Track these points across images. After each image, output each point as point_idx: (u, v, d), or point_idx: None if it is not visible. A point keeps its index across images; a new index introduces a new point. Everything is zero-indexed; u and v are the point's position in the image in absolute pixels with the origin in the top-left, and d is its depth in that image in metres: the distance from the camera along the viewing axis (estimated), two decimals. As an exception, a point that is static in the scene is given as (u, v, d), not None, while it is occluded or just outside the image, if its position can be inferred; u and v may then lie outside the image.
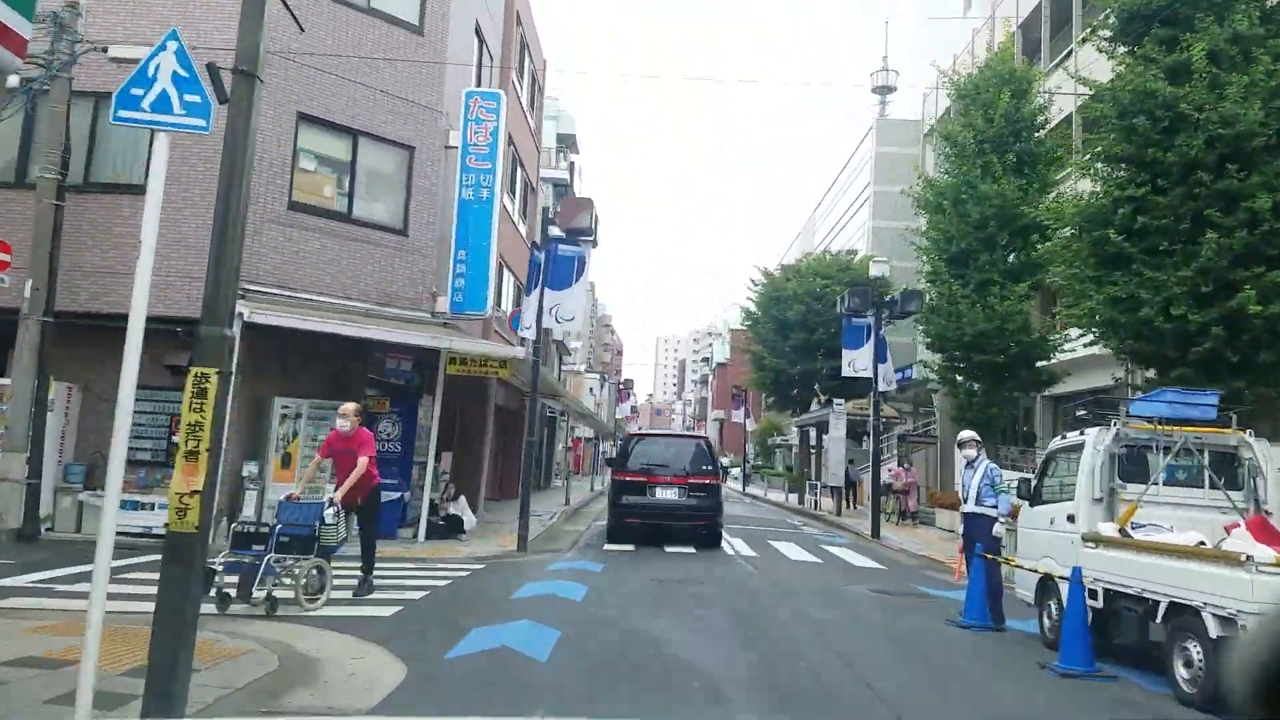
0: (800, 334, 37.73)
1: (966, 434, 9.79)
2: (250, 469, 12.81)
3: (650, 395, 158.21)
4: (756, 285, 40.66)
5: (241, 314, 12.43)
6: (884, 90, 63.92)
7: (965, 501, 9.57)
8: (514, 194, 21.38)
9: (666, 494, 15.58)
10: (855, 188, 48.67)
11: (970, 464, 9.63)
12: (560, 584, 9.58)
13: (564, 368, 46.99)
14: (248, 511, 12.64)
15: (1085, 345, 15.35)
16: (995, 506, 9.36)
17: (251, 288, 12.93)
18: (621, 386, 43.06)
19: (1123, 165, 14.17)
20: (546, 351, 32.52)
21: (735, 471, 61.60)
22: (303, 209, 13.60)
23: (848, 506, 28.30)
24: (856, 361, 19.93)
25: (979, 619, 8.74)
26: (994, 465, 9.63)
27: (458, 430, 19.18)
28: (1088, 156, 14.95)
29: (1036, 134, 20.10)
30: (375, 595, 8.54)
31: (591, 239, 14.39)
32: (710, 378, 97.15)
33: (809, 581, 11.59)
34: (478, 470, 19.18)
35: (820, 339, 37.82)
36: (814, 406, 40.98)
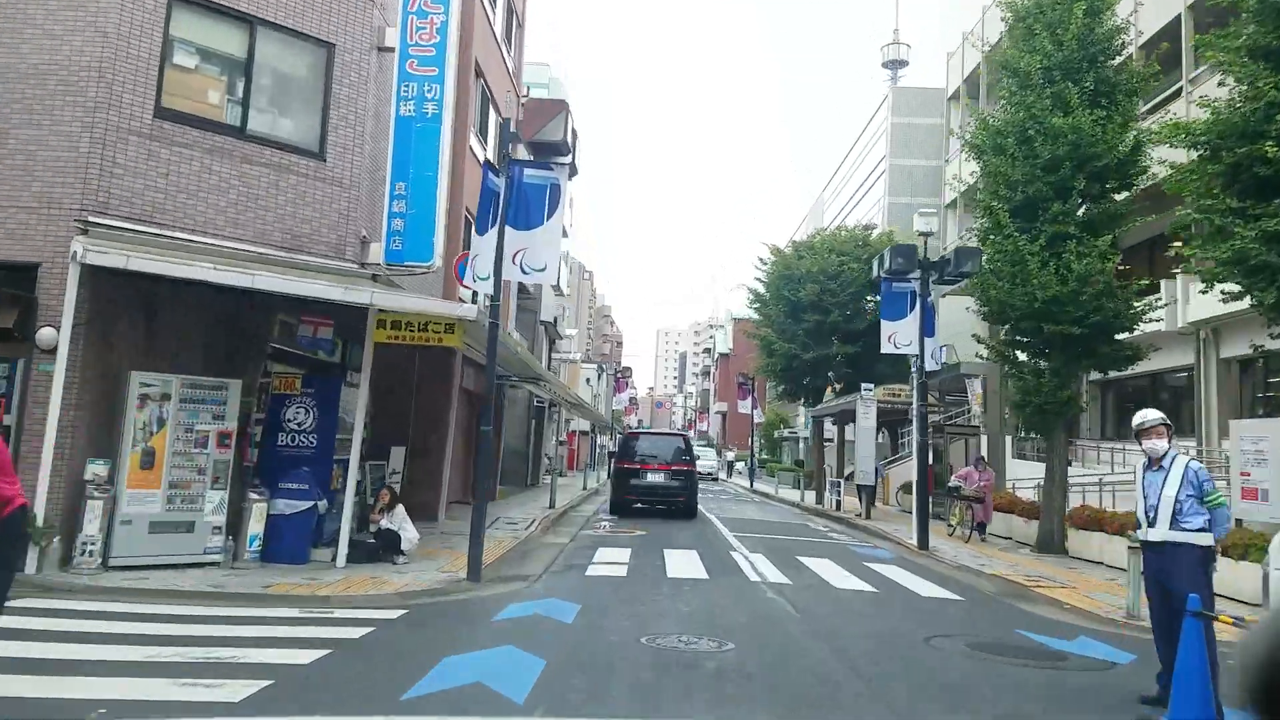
0: (814, 316, 34.11)
1: (1152, 415, 6.04)
2: (96, 470, 9.15)
3: (651, 388, 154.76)
4: (765, 264, 37.00)
5: (76, 253, 8.82)
6: (896, 64, 60.23)
7: (1151, 523, 5.91)
8: (485, 137, 17.72)
9: (655, 477, 19.68)
10: (869, 161, 45.03)
11: (1155, 463, 5.98)
12: (503, 655, 5.95)
13: (556, 356, 43.46)
14: (89, 529, 9.01)
15: (1224, 300, 11.74)
16: (1206, 530, 5.74)
17: (99, 220, 9.28)
18: (619, 375, 39.44)
19: (1271, 62, 10.56)
20: (534, 334, 28.84)
21: (740, 466, 57.99)
22: (177, 118, 9.94)
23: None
24: (898, 335, 16.28)
25: (1201, 714, 5.12)
26: (1198, 464, 5.96)
27: (415, 421, 15.56)
28: (1223, 55, 11.29)
29: (1113, 60, 16.45)
30: (183, 681, 4.92)
31: (568, 160, 10.78)
32: (712, 369, 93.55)
33: (875, 630, 7.98)
34: (438, 469, 15.56)
35: (836, 321, 34.21)
36: (828, 396, 37.39)
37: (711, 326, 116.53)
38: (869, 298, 35.96)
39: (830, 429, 36.72)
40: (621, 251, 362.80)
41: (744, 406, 39.41)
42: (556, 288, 35.98)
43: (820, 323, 34.10)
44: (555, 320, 37.12)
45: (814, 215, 54.55)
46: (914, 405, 16.96)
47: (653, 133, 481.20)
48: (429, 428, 15.49)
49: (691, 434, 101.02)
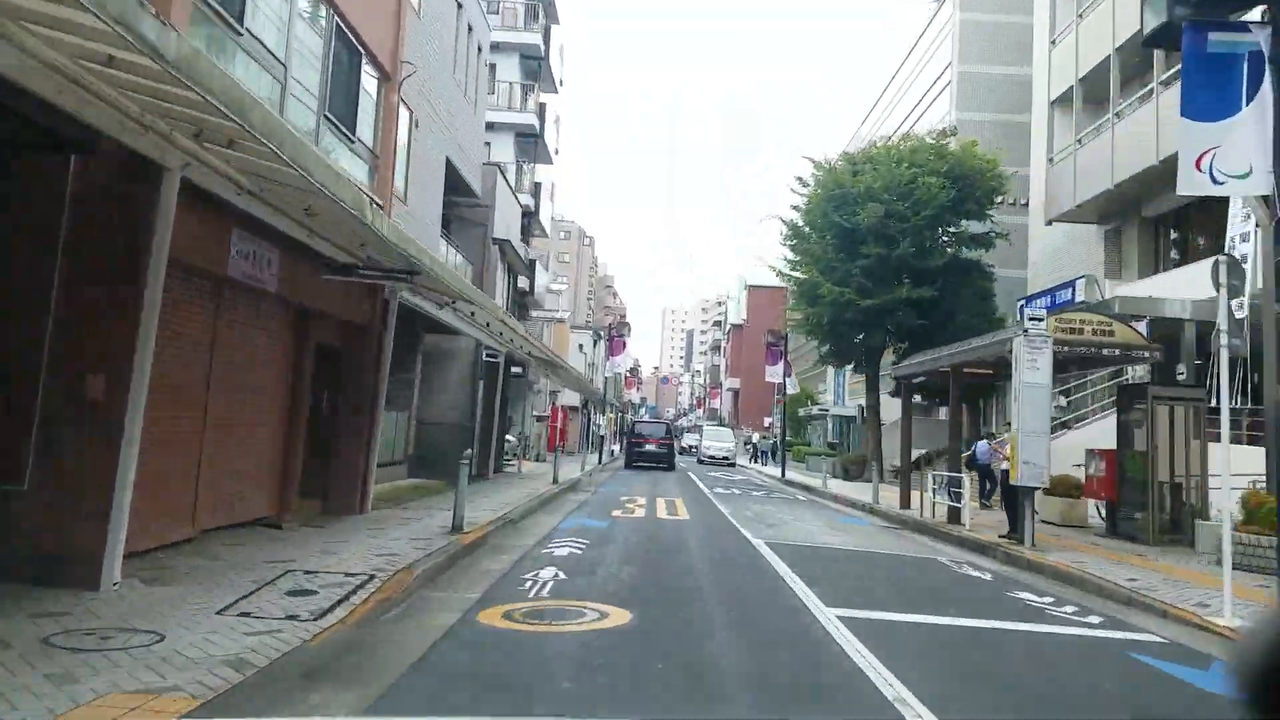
0: (875, 248, 24.60)
1: None
2: None
3: (656, 368, 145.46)
4: (806, 185, 27.48)
5: None
6: (943, -19, 50.16)
7: None
8: None
9: (650, 446, 31.04)
10: (930, 72, 35.28)
11: None
12: None
13: (539, 314, 34.07)
14: None
15: None
16: None
17: None
18: (616, 334, 30.04)
19: None
20: (482, 257, 19.52)
21: (761, 445, 48.48)
22: None
23: (980, 506, 15.39)
24: (1220, 155, 6.81)
25: None
26: None
27: (52, 356, 6.15)
28: None
29: None
30: None
31: None
32: (723, 343, 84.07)
33: None
34: (103, 465, 6.11)
35: (905, 255, 24.65)
36: (887, 361, 27.88)
37: (720, 303, 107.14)
38: (948, 227, 26.43)
39: (880, 401, 27.30)
40: (625, 227, 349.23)
41: (772, 374, 30.00)
42: (521, 186, 26.43)
43: (883, 257, 24.59)
44: (524, 255, 27.69)
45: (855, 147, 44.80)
46: (1223, 337, 7.50)
47: (662, 93, 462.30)
48: (81, 363, 6.07)
49: (700, 412, 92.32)
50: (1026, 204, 28.85)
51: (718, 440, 39.51)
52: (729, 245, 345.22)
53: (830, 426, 43.69)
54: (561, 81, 34.62)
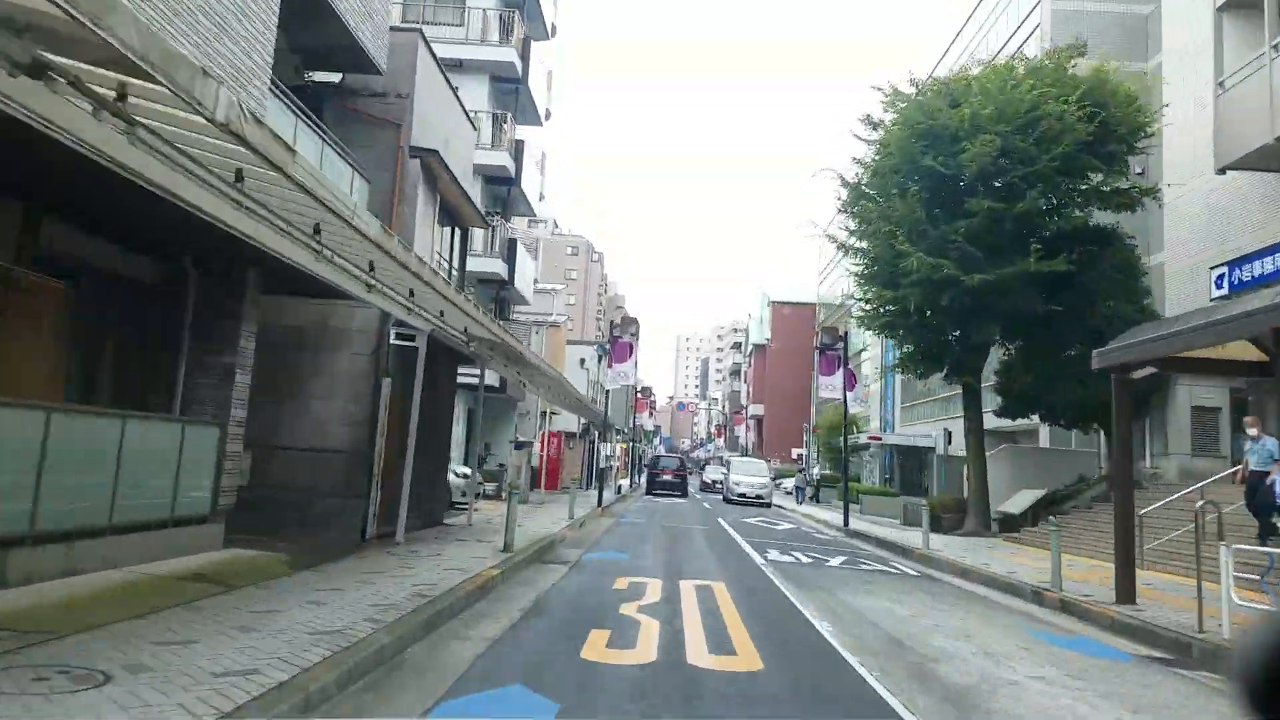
0: (984, 202, 17.02)
1: None
2: None
3: (671, 397, 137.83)
4: (876, 127, 20.08)
5: None
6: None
7: None
8: None
9: (666, 476, 35.42)
10: (1012, 15, 28.00)
11: None
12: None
13: (527, 313, 26.66)
14: None
15: None
16: None
17: None
18: (618, 335, 22.61)
19: None
20: (395, 176, 12.04)
21: (790, 484, 40.55)
22: None
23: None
24: None
25: None
26: None
27: None
28: None
29: None
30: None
31: None
32: (744, 367, 76.27)
33: None
34: None
35: (1028, 211, 17.18)
36: (990, 369, 20.40)
37: (736, 330, 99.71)
38: (1083, 176, 18.93)
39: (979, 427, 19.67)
40: (638, 253, 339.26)
41: (828, 386, 22.32)
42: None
43: (997, 215, 17.01)
44: (501, 232, 20.37)
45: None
46: None
47: (676, 118, 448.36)
48: None
49: (720, 442, 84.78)
50: (1141, 173, 21.40)
51: (749, 474, 31.70)
52: (731, 244, 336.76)
53: (883, 459, 35.82)
54: (554, 28, 27.55)
